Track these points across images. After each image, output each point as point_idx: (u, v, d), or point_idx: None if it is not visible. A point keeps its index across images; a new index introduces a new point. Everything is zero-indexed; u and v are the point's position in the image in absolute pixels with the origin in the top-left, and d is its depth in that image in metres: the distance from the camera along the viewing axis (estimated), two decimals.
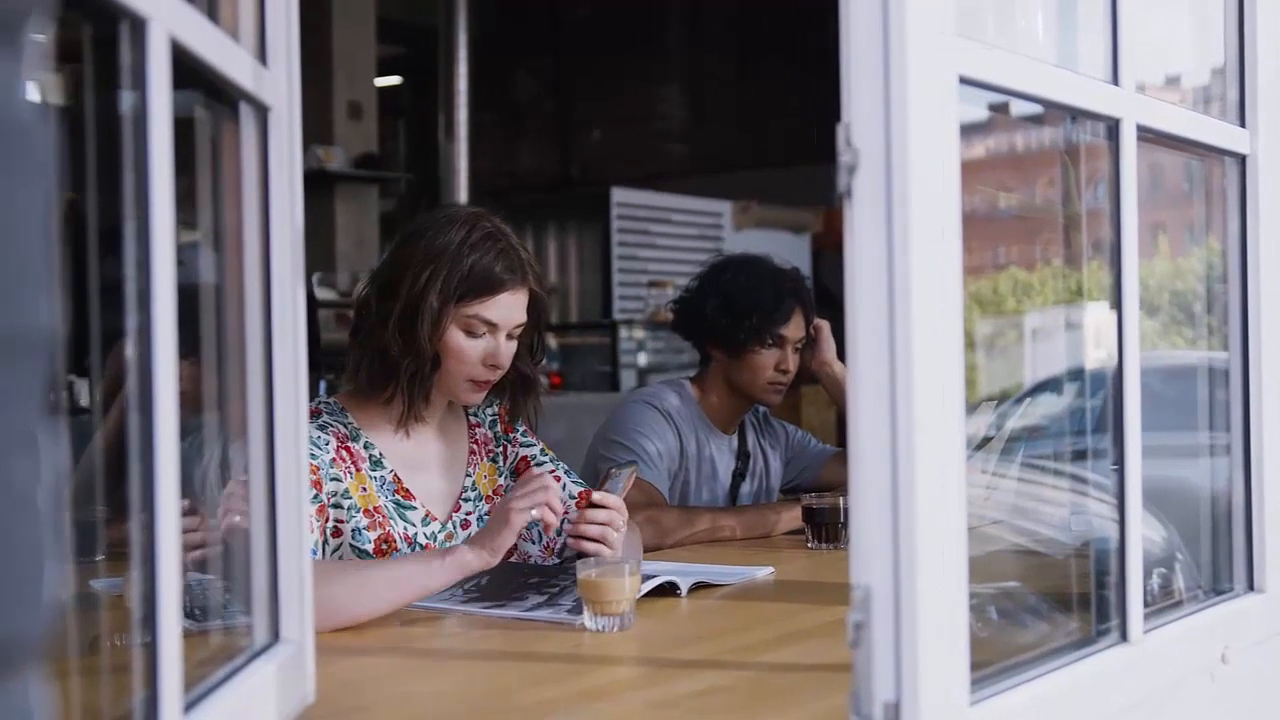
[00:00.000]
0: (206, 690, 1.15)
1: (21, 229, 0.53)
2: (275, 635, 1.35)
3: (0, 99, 0.54)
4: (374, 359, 2.17)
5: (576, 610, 1.88)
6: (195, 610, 1.33)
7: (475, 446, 2.35)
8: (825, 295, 4.60)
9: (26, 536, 0.55)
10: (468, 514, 2.29)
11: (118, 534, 1.13)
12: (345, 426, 2.19)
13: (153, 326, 0.99)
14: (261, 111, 1.33)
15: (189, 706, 1.07)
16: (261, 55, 1.34)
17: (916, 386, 1.14)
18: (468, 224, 2.17)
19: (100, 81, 1.04)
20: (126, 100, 1.01)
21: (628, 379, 7.15)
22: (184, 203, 1.06)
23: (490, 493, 2.34)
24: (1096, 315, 1.88)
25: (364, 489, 2.15)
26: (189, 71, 1.10)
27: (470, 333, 2.16)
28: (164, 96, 1.01)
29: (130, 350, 1.00)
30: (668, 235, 8.00)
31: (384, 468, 2.20)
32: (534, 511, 1.94)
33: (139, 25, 0.99)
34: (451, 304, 2.14)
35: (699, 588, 2.15)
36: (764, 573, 2.33)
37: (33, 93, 0.56)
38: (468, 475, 2.32)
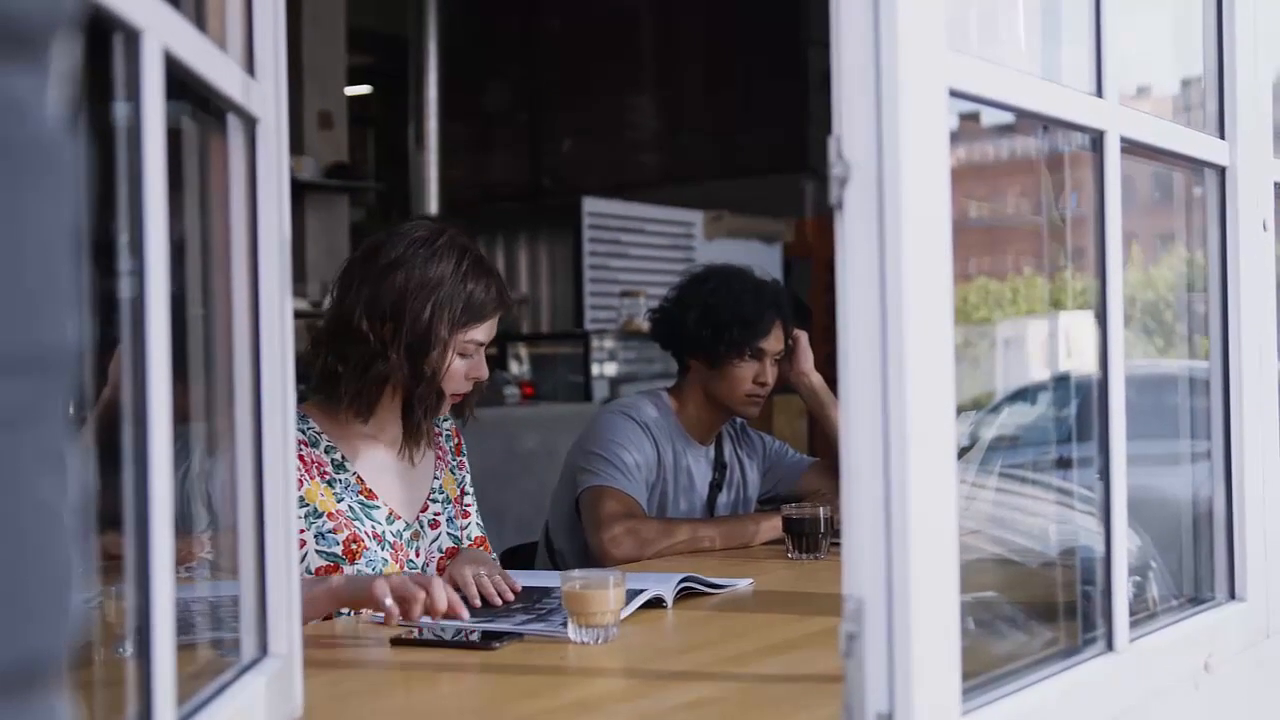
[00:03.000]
0: (198, 705, 1.14)
1: (48, 244, 0.53)
2: (264, 650, 1.34)
3: (26, 114, 0.54)
4: (373, 385, 2.22)
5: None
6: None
7: (440, 452, 2.43)
8: (796, 305, 4.60)
9: (56, 554, 0.55)
10: (435, 514, 2.37)
11: (98, 546, 1.12)
12: (304, 432, 2.23)
13: (146, 338, 0.99)
14: (250, 123, 1.33)
15: None
16: (249, 67, 1.33)
17: (910, 398, 1.14)
18: (454, 250, 2.25)
19: (91, 92, 1.04)
20: (119, 111, 1.00)
21: (600, 389, 7.13)
22: (171, 213, 1.05)
23: (453, 499, 2.42)
24: (1069, 324, 1.89)
25: (321, 495, 2.20)
26: (177, 82, 1.10)
27: (464, 355, 2.27)
28: (157, 107, 1.01)
29: (125, 361, 0.99)
30: (639, 245, 7.99)
31: (347, 470, 2.25)
32: (389, 602, 1.87)
33: (133, 37, 0.98)
34: (458, 332, 2.23)
35: (685, 596, 2.15)
36: (744, 584, 2.33)
37: (57, 107, 0.56)
38: (435, 478, 2.40)
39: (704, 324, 2.94)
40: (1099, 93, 1.51)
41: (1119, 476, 1.51)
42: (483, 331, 2.28)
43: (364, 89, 10.28)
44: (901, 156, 1.15)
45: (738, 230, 8.12)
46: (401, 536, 2.28)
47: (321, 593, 1.98)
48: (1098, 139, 1.51)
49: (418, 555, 2.30)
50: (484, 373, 2.30)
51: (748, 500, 3.15)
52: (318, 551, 2.17)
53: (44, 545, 0.54)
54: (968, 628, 1.50)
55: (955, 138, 1.37)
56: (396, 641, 1.86)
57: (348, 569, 2.17)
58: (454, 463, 2.45)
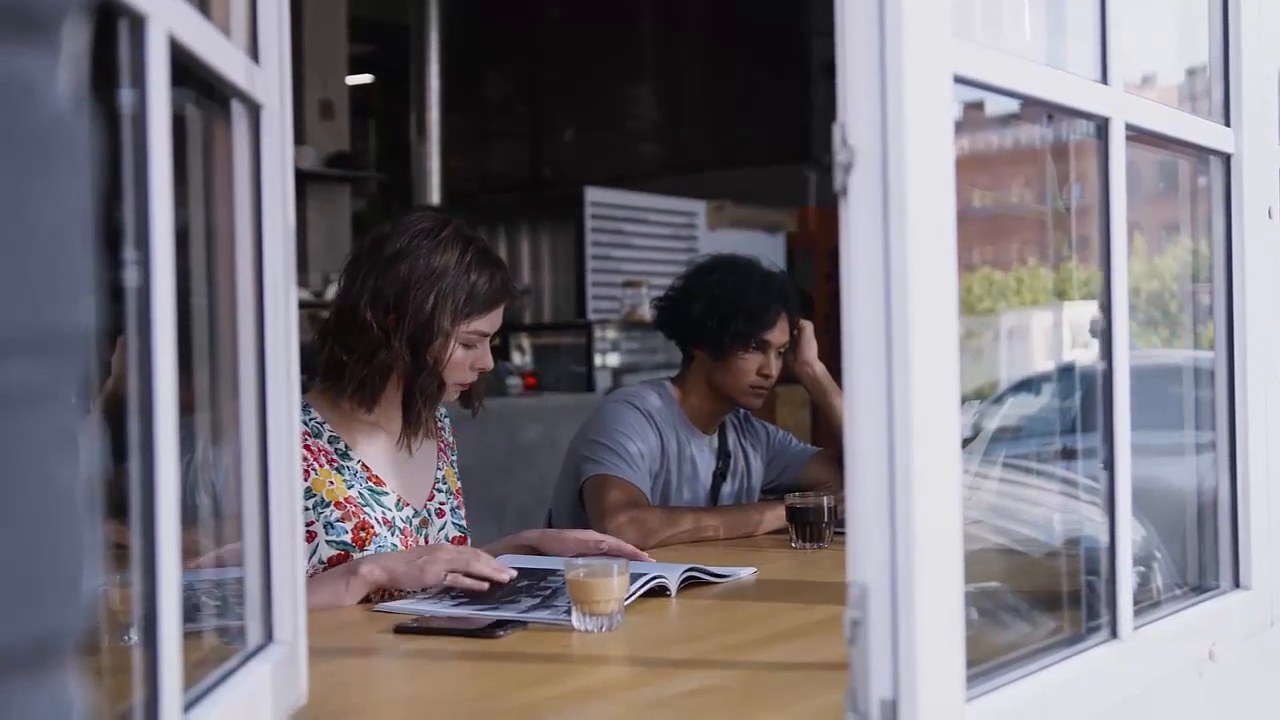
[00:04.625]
0: (204, 691, 1.14)
1: (61, 225, 0.53)
2: (269, 636, 1.34)
3: (39, 96, 0.53)
4: (377, 375, 2.24)
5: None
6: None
7: (442, 444, 2.46)
8: (801, 296, 4.60)
9: (68, 534, 0.55)
10: (440, 504, 2.40)
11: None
12: (306, 424, 2.24)
13: (152, 326, 0.99)
14: (254, 110, 1.32)
15: (188, 707, 1.06)
16: (253, 53, 1.33)
17: (914, 384, 1.14)
18: (458, 241, 2.26)
19: (95, 79, 1.03)
20: (124, 97, 1.00)
21: (602, 379, 7.13)
22: (174, 201, 1.05)
23: (454, 491, 2.45)
24: (1074, 315, 1.89)
25: (331, 483, 2.22)
26: (181, 68, 1.09)
27: (468, 345, 2.28)
28: (163, 94, 1.00)
29: (131, 351, 0.99)
30: (642, 235, 7.99)
31: (352, 459, 2.27)
32: (448, 579, 2.06)
33: (138, 22, 0.98)
34: (461, 323, 2.24)
35: (688, 585, 2.15)
36: (747, 573, 2.33)
37: (69, 89, 0.56)
38: (438, 469, 2.42)
39: (709, 315, 2.93)
40: (1104, 79, 1.50)
41: (1124, 466, 1.51)
42: (487, 322, 2.28)
43: (365, 78, 10.27)
44: (906, 143, 1.15)
45: (740, 220, 8.12)
46: (411, 523, 2.30)
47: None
48: (1103, 126, 1.51)
49: (426, 542, 2.32)
50: (488, 363, 2.32)
51: (752, 490, 3.15)
52: (328, 542, 2.19)
53: (58, 524, 0.54)
54: (971, 617, 1.50)
55: (959, 127, 1.36)
56: (400, 629, 1.87)
57: (357, 556, 2.17)
58: (452, 458, 2.48)
